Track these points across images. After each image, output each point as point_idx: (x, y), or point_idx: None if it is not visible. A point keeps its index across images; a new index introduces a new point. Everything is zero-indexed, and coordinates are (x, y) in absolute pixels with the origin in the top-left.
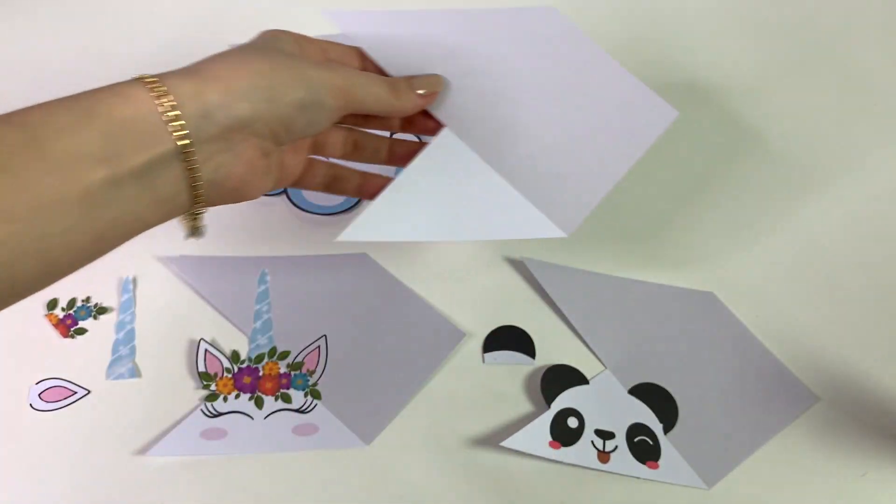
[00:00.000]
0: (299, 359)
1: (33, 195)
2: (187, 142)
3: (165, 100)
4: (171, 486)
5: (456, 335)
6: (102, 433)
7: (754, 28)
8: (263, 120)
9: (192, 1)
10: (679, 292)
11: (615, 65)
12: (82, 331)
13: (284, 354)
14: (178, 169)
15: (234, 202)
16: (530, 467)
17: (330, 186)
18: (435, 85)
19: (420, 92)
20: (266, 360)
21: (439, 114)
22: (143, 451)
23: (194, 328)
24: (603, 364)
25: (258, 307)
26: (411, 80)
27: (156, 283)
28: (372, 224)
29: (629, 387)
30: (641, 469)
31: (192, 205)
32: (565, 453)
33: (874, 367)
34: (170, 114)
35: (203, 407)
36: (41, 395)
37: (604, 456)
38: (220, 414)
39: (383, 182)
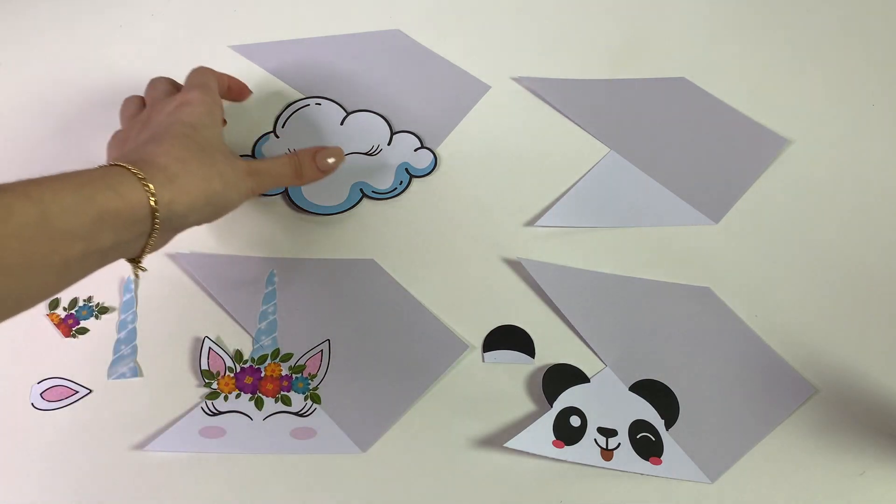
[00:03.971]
0: (301, 362)
1: (30, 260)
2: (155, 234)
3: (152, 201)
4: (168, 483)
5: (459, 347)
6: (104, 432)
7: (753, 28)
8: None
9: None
10: (676, 288)
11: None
12: (84, 330)
13: (287, 357)
14: (135, 247)
15: None
16: (533, 467)
17: None
18: (338, 157)
19: (330, 161)
20: (268, 361)
21: (606, 142)
22: (142, 447)
23: (197, 326)
24: (603, 362)
25: (264, 308)
26: (317, 154)
27: (157, 282)
28: (563, 214)
29: (630, 384)
30: (645, 465)
31: (133, 262)
32: (569, 452)
33: (869, 360)
34: (154, 213)
35: (203, 405)
36: (43, 395)
37: (607, 453)
38: (220, 413)
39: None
